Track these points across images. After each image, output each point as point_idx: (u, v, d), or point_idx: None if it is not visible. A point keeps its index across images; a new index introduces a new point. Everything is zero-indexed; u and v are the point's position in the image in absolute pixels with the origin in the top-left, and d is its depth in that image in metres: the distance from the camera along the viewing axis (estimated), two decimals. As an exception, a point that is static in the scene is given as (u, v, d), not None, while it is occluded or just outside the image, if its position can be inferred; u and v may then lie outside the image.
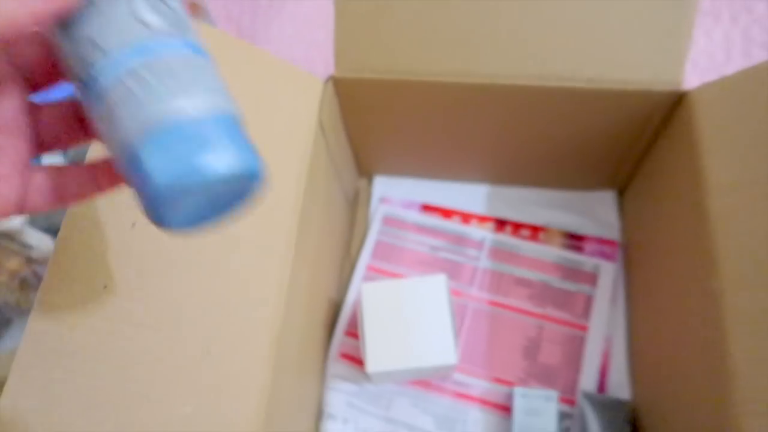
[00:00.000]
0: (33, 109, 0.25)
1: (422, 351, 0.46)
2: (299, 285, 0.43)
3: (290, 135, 0.44)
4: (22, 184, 0.25)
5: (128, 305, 0.33)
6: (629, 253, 0.55)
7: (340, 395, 0.51)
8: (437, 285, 0.48)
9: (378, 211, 0.60)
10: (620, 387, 0.51)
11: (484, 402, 0.51)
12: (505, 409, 0.50)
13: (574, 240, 0.57)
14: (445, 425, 0.50)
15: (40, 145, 0.26)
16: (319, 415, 0.51)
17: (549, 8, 0.43)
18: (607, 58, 0.44)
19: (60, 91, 0.26)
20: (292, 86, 0.46)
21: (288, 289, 0.40)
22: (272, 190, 0.40)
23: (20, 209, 0.25)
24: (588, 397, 0.48)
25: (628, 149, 0.53)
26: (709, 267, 0.38)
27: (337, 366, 0.53)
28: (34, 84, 0.25)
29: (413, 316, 0.47)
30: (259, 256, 0.39)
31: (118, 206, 0.35)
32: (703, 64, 0.67)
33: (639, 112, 0.47)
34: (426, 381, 0.52)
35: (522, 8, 0.44)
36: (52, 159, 0.59)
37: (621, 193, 0.59)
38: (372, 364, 0.46)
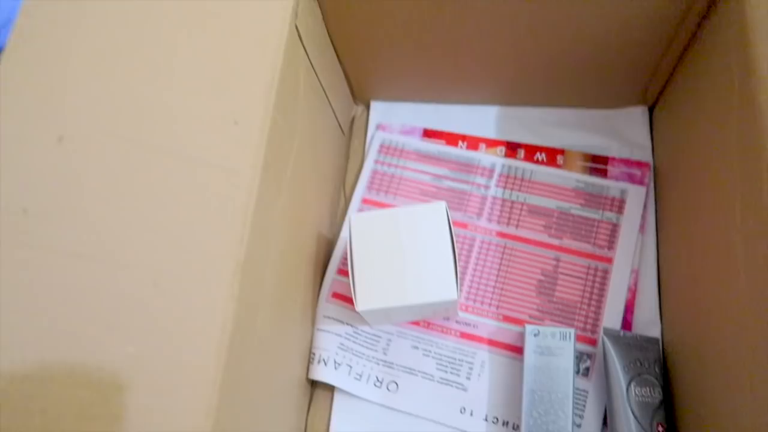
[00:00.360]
0: None
1: (418, 286, 0.41)
2: (271, 213, 0.38)
3: (258, 41, 0.38)
4: None
5: (55, 232, 0.29)
6: (661, 175, 0.48)
7: (331, 337, 0.47)
8: (436, 213, 0.42)
9: (375, 138, 0.54)
10: (649, 325, 0.45)
11: (492, 343, 0.46)
12: (517, 350, 0.45)
13: (598, 162, 0.50)
14: (448, 368, 0.45)
15: None
16: (310, 359, 0.47)
17: None
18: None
19: None
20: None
21: (254, 216, 0.34)
22: (234, 100, 0.34)
23: None
24: (611, 335, 0.43)
25: (660, 55, 0.45)
26: (763, 179, 0.31)
27: (328, 307, 0.48)
28: None
29: (409, 249, 0.41)
30: (216, 176, 0.33)
31: (40, 117, 0.30)
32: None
33: (674, 4, 0.40)
34: (428, 321, 0.47)
35: None
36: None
37: (652, 109, 0.51)
38: (362, 302, 0.41)
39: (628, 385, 0.41)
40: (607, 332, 0.43)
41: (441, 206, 0.42)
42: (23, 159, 0.29)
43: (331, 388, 0.47)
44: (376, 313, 0.43)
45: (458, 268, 0.41)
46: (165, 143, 0.33)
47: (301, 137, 0.43)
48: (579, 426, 0.43)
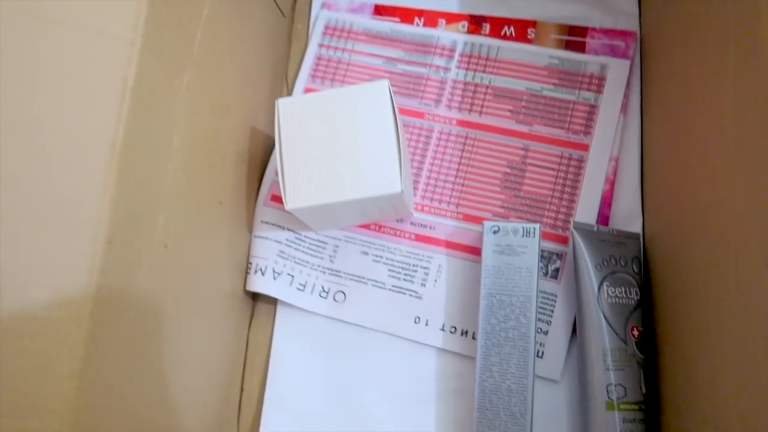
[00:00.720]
0: None
1: (357, 180, 0.35)
2: (168, 93, 0.31)
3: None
4: None
5: None
6: (649, 46, 0.41)
7: (270, 244, 0.41)
8: (377, 94, 0.36)
9: (318, 19, 0.47)
10: (629, 219, 0.39)
11: (450, 245, 0.40)
12: (477, 252, 0.40)
13: (575, 35, 0.43)
14: (401, 275, 0.40)
15: None
16: (247, 269, 0.42)
17: None
18: None
19: None
20: None
21: (135, 91, 0.28)
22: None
23: None
24: (582, 229, 0.37)
25: None
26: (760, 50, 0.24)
27: (266, 211, 0.42)
28: None
29: (345, 137, 0.35)
30: (88, 40, 0.27)
31: None
32: None
33: None
34: (379, 224, 0.42)
35: None
36: None
37: (642, -32, 0.43)
38: (292, 200, 0.35)
39: (600, 284, 0.35)
40: (578, 226, 0.37)
41: (383, 85, 0.35)
42: None
43: (274, 301, 0.42)
44: (312, 213, 0.37)
45: (404, 157, 0.35)
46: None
47: (211, 10, 0.35)
48: (545, 333, 0.38)
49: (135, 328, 0.29)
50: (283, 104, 0.36)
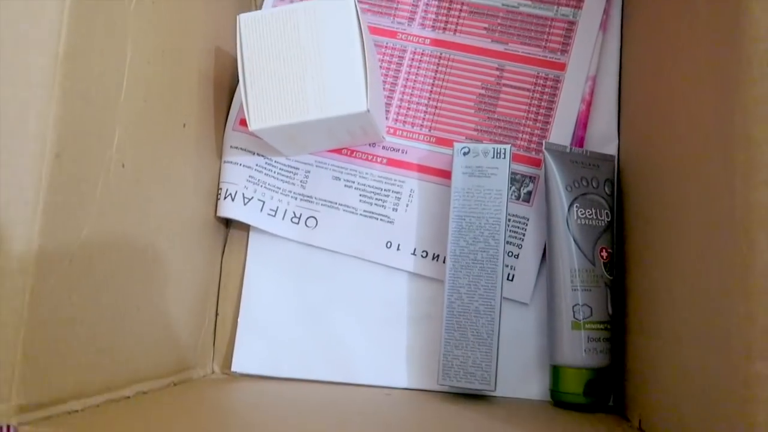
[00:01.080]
0: None
1: (321, 98, 0.34)
2: (115, 3, 0.30)
3: None
4: None
5: None
6: (633, -41, 0.39)
7: (239, 169, 0.41)
8: (342, 9, 0.34)
9: (288, -68, 0.44)
10: (604, 141, 0.38)
11: (423, 169, 0.40)
12: (449, 175, 0.39)
13: (556, -52, 0.40)
14: (373, 199, 0.40)
15: None
16: (218, 195, 0.41)
17: None
18: None
19: None
20: None
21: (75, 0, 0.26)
22: None
23: None
24: (553, 150, 0.36)
25: None
26: None
27: (235, 135, 0.41)
28: None
29: (310, 54, 0.34)
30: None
31: None
32: None
33: None
34: (351, 149, 0.41)
35: None
36: None
37: None
38: (255, 120, 0.34)
39: (570, 205, 0.35)
40: (550, 147, 0.36)
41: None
42: None
43: (246, 227, 0.42)
44: (277, 135, 0.36)
45: (372, 76, 0.34)
46: None
47: None
48: (516, 256, 0.38)
49: (95, 249, 0.29)
50: (244, 20, 0.35)
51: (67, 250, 0.27)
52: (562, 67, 0.39)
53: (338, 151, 0.41)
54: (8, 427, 0.24)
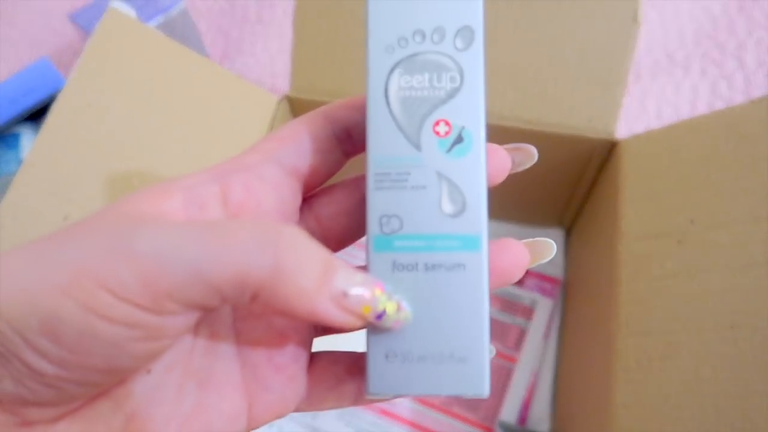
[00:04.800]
0: None
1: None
2: None
3: (238, 147, 0.46)
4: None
5: None
6: (568, 290, 0.56)
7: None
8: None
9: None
10: (541, 420, 0.52)
11: (414, 425, 0.52)
12: None
13: (517, 273, 0.58)
14: (365, 441, 0.52)
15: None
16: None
17: (493, 50, 0.46)
18: (545, 103, 0.46)
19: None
20: (247, 103, 0.48)
21: None
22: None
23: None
24: (505, 426, 0.50)
25: (572, 190, 0.55)
26: (612, 310, 0.39)
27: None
28: None
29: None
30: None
31: None
32: (668, 114, 0.68)
33: (578, 156, 0.49)
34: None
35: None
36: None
37: (568, 232, 0.60)
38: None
39: (512, 472, 0.47)
40: (503, 425, 0.50)
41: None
42: None
43: None
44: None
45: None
46: None
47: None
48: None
49: None
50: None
51: None
52: (514, 360, 0.54)
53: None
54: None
